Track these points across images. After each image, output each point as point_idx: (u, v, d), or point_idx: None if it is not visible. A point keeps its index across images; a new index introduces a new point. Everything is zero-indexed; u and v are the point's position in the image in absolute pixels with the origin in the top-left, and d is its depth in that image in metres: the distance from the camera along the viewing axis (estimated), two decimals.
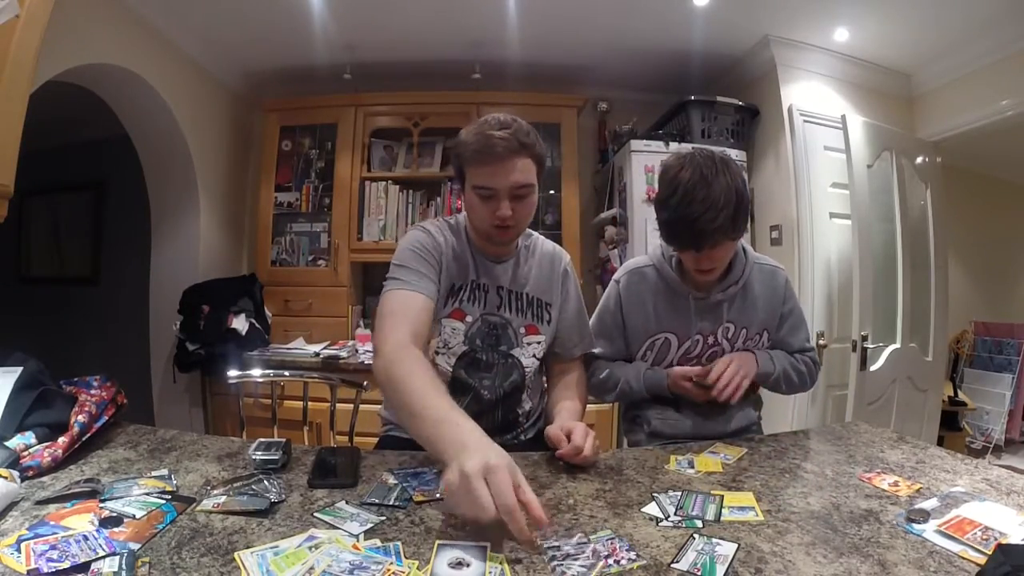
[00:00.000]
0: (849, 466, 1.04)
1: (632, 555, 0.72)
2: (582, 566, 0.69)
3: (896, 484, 0.94)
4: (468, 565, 0.69)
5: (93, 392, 1.14)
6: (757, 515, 0.85)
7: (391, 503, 0.86)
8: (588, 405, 1.38)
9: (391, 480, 0.95)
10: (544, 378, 1.43)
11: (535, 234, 1.40)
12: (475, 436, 0.81)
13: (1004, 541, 0.73)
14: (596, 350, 1.41)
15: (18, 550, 0.67)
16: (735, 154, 2.72)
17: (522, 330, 1.29)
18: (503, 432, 1.29)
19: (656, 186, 2.62)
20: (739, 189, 1.16)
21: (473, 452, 0.76)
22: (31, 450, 0.94)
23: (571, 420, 1.15)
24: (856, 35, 2.60)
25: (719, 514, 0.84)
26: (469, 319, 1.26)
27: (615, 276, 1.41)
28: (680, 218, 1.15)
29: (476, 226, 1.25)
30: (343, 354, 2.64)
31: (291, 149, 3.13)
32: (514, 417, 1.32)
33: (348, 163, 3.02)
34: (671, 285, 1.33)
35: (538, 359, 1.32)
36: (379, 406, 1.43)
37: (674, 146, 2.71)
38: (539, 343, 1.31)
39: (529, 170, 1.17)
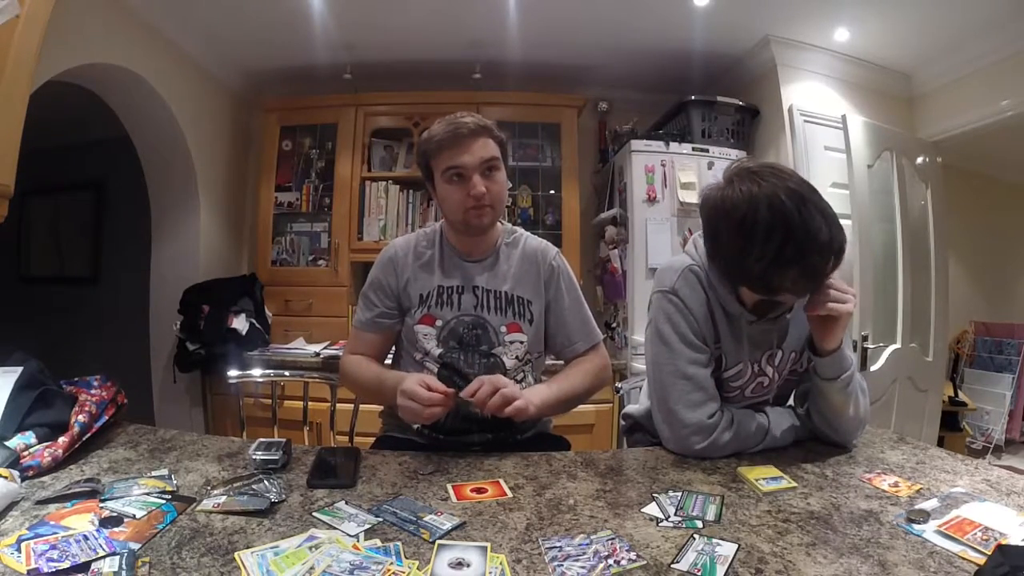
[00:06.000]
0: (849, 466, 1.04)
1: (632, 555, 0.72)
2: (582, 567, 0.69)
3: (896, 485, 0.94)
4: (468, 565, 0.69)
5: (93, 392, 1.14)
6: (789, 482, 0.95)
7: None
8: (587, 405, 1.37)
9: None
10: (541, 377, 1.42)
11: (521, 231, 1.39)
12: (394, 378, 1.18)
13: (1004, 542, 0.73)
14: (697, 395, 1.10)
15: (18, 550, 0.67)
16: (735, 155, 2.72)
17: (503, 329, 1.28)
18: (496, 430, 1.28)
19: (655, 186, 2.66)
20: (826, 206, 0.96)
21: (392, 383, 1.15)
22: (31, 450, 0.94)
23: (516, 388, 1.13)
24: (856, 35, 2.60)
25: (719, 514, 0.84)
26: (439, 323, 1.27)
27: (663, 287, 1.15)
28: (784, 264, 0.93)
29: (452, 217, 1.27)
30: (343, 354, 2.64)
31: (291, 149, 3.14)
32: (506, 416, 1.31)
33: (348, 163, 3.02)
34: (722, 300, 1.12)
35: (521, 360, 1.29)
36: (379, 406, 1.44)
37: (674, 146, 2.72)
38: (522, 343, 1.29)
39: (494, 148, 1.24)
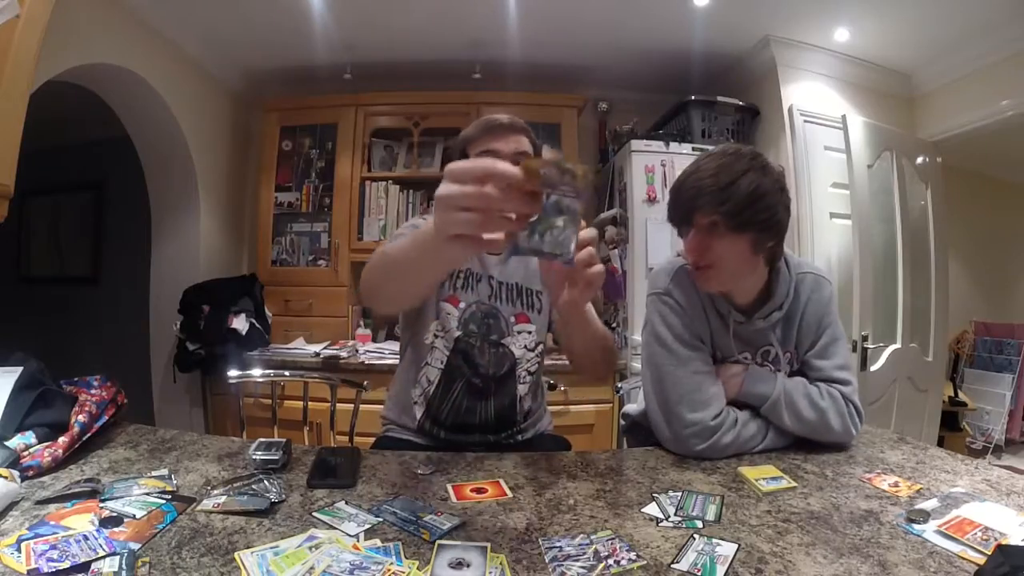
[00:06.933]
0: (849, 466, 1.04)
1: (632, 555, 0.72)
2: (582, 567, 0.69)
3: (896, 484, 0.94)
4: (468, 565, 0.69)
5: (93, 392, 1.14)
6: (790, 482, 0.95)
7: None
8: (587, 405, 1.37)
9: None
10: (544, 380, 1.43)
11: None
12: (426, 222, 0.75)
13: (1004, 541, 0.73)
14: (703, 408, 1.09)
15: (18, 550, 0.67)
16: None
17: (512, 319, 1.30)
18: (498, 430, 1.29)
19: (655, 186, 2.66)
20: (757, 182, 1.00)
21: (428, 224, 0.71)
22: (31, 450, 0.94)
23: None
24: (856, 35, 2.60)
25: (719, 514, 0.84)
26: (463, 305, 1.29)
27: (656, 289, 1.18)
28: (675, 182, 1.09)
29: None
30: (343, 354, 2.64)
31: (291, 149, 3.14)
32: (510, 413, 1.31)
33: (348, 163, 3.02)
34: (714, 300, 1.14)
35: (531, 350, 1.31)
36: (379, 406, 1.44)
37: (674, 146, 2.72)
38: (530, 332, 1.31)
39: (527, 145, 1.26)
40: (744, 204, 1.00)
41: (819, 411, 1.09)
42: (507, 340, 1.29)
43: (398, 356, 1.47)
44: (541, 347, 1.34)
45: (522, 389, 1.31)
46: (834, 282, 1.22)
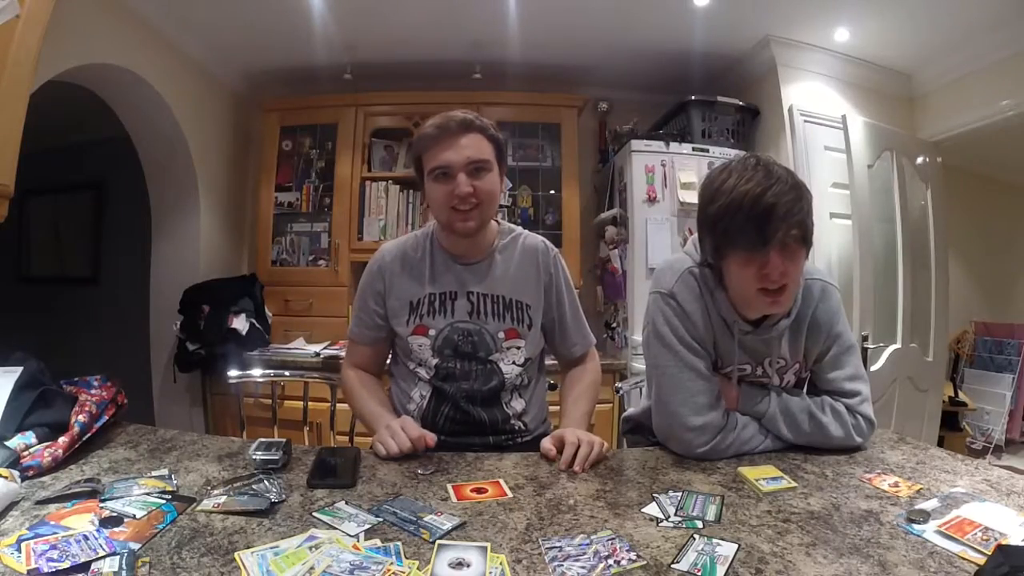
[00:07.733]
0: (849, 467, 1.04)
1: (632, 555, 0.72)
2: (582, 567, 0.69)
3: (896, 485, 0.94)
4: (468, 565, 0.69)
5: (93, 392, 1.14)
6: (790, 482, 0.95)
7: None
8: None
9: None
10: (543, 377, 1.41)
11: (519, 230, 1.37)
12: (384, 416, 1.21)
13: (1004, 542, 0.73)
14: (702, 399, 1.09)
15: (18, 550, 0.67)
16: (734, 155, 2.72)
17: (501, 335, 1.26)
18: (496, 433, 1.28)
19: (655, 186, 2.66)
20: (808, 192, 0.99)
21: (383, 421, 1.17)
22: (31, 450, 0.94)
23: (570, 428, 1.13)
24: (856, 35, 2.61)
25: (719, 514, 0.84)
26: (433, 332, 1.25)
27: (661, 288, 1.14)
28: (739, 198, 0.95)
29: (438, 217, 1.25)
30: (343, 354, 2.63)
31: (291, 149, 3.14)
32: (503, 419, 1.28)
33: (348, 163, 3.02)
34: (719, 306, 1.10)
35: (520, 366, 1.28)
36: None
37: (674, 146, 2.72)
38: (519, 348, 1.27)
39: (482, 146, 1.19)
40: (809, 214, 0.98)
41: (818, 425, 1.09)
42: (495, 357, 1.26)
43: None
44: (530, 363, 1.31)
45: (516, 405, 1.29)
46: (836, 280, 1.20)
